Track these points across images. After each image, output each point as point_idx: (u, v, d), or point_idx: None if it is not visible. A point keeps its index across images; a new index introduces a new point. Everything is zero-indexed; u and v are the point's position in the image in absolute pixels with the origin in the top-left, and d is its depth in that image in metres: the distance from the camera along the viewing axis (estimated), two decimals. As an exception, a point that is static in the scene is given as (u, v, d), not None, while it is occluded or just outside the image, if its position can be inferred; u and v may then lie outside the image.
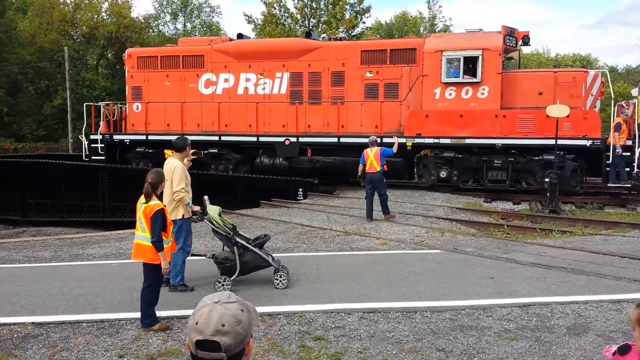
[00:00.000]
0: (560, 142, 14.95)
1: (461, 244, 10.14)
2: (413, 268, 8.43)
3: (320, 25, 39.28)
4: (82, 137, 19.70)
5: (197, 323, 1.76)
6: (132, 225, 13.02)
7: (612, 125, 15.06)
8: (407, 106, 16.79)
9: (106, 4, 41.58)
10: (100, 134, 18.92)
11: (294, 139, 17.53)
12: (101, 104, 20.00)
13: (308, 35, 19.92)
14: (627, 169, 15.10)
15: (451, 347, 5.44)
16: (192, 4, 49.35)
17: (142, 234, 6.04)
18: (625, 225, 12.32)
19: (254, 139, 18.00)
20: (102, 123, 19.26)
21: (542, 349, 5.40)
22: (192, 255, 7.94)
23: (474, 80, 15.76)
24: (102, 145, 18.75)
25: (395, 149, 12.62)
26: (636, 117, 15.63)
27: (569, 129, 15.16)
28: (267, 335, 5.79)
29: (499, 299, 6.81)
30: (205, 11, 50.40)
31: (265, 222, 12.70)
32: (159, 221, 5.94)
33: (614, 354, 2.61)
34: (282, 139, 17.64)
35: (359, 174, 12.89)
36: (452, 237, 10.88)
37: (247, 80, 18.35)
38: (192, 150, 8.25)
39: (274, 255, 7.95)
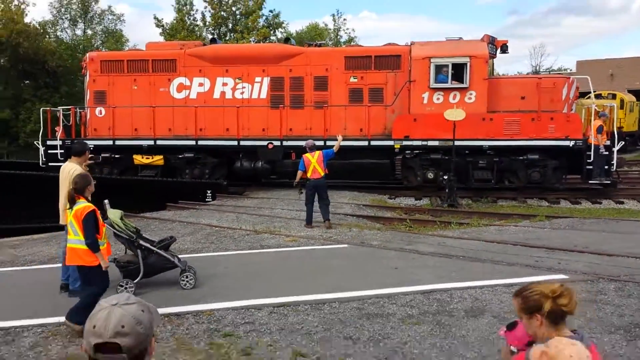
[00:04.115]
0: (545, 142, 15.96)
1: (367, 238, 10.44)
2: (322, 262, 8.58)
3: (230, 34, 38.98)
4: (37, 143, 18.11)
5: (94, 327, 1.70)
6: (21, 232, 12.34)
7: (594, 127, 15.84)
8: (392, 110, 16.91)
9: (-2, 9, 38.77)
10: (60, 140, 17.54)
11: (277, 143, 17.19)
12: (60, 108, 18.46)
13: (286, 41, 19.45)
14: (606, 167, 15.94)
15: (358, 335, 5.60)
16: (93, 10, 47.19)
17: (75, 237, 5.84)
18: (517, 216, 13.22)
19: (235, 143, 17.45)
20: (58, 128, 17.83)
21: (442, 331, 5.69)
22: (94, 259, 7.60)
23: (462, 85, 16.13)
24: (62, 151, 17.26)
25: (336, 148, 12.23)
26: (615, 119, 16.52)
27: (553, 131, 15.95)
28: (175, 335, 5.67)
29: (403, 288, 7.08)
30: (108, 18, 48.37)
31: (172, 224, 12.40)
32: (90, 222, 5.77)
33: (505, 331, 2.85)
34: (264, 143, 17.24)
35: (297, 180, 12.16)
36: (359, 232, 11.17)
37: (224, 84, 17.76)
38: (90, 156, 7.95)
39: (180, 256, 7.80)
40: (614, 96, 30.75)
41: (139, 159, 17.67)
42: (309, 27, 54.36)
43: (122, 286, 7.01)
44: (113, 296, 1.79)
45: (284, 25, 41.48)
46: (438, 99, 16.36)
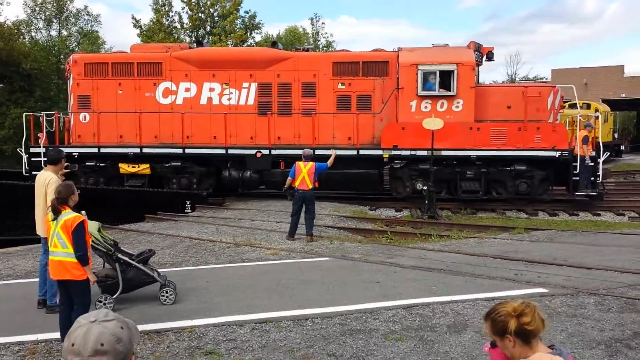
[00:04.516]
0: (531, 153, 15.98)
1: (349, 251, 10.42)
2: (303, 276, 8.53)
3: (208, 37, 38.83)
4: (20, 150, 17.53)
5: (73, 345, 1.65)
6: None
7: (580, 138, 15.89)
8: (381, 118, 16.81)
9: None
10: (43, 147, 16.87)
11: (265, 152, 16.94)
12: (43, 114, 17.89)
13: (274, 45, 19.31)
14: (592, 178, 15.97)
15: (341, 351, 5.57)
16: (68, 10, 46.64)
17: (62, 250, 5.63)
18: (496, 228, 13.32)
19: (223, 151, 17.16)
20: (41, 135, 17.30)
21: (425, 348, 5.68)
22: (71, 273, 7.45)
23: (449, 93, 16.04)
24: (45, 159, 16.72)
25: (330, 162, 11.85)
26: (600, 131, 16.67)
27: (539, 141, 15.97)
28: (155, 353, 5.57)
29: (385, 302, 7.07)
30: (84, 19, 47.86)
31: (151, 236, 12.24)
32: (82, 234, 5.62)
33: (489, 347, 2.85)
34: (253, 152, 16.97)
35: (286, 186, 11.83)
36: (340, 244, 11.15)
37: (211, 90, 17.49)
38: (65, 164, 7.77)
39: (160, 270, 7.69)
40: (588, 106, 31.23)
41: (124, 167, 17.30)
42: (287, 30, 54.35)
43: (100, 301, 6.88)
44: (92, 312, 1.75)
45: (260, 26, 41.37)
46: (426, 107, 16.26)
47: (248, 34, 39.68)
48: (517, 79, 57.71)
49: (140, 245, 10.94)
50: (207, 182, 17.76)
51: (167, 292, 7.17)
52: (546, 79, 50.25)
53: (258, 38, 42.54)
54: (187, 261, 9.78)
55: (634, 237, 11.79)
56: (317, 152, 15.51)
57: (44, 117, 17.65)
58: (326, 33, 49.23)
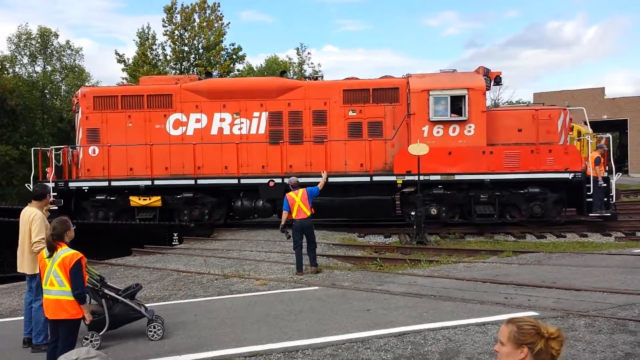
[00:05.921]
0: (544, 175, 16.13)
1: (338, 279, 10.36)
2: (293, 306, 8.45)
3: (193, 69, 39.05)
4: (28, 185, 17.18)
5: None
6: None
7: (592, 159, 16.17)
8: (392, 145, 16.94)
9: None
10: (53, 182, 16.72)
11: (278, 180, 16.88)
12: (51, 148, 17.78)
13: (282, 74, 19.39)
14: (605, 199, 16.16)
15: (333, 383, 5.48)
16: (52, 46, 46.80)
17: (60, 288, 5.49)
18: (485, 252, 13.34)
19: (235, 181, 17.10)
20: (49, 169, 17.18)
21: (418, 376, 5.61)
22: (56, 311, 7.32)
23: (461, 118, 16.23)
24: (55, 193, 16.27)
25: (321, 186, 11.70)
26: (611, 151, 16.92)
27: (552, 163, 16.15)
28: (143, 390, 5.46)
29: (376, 331, 7.00)
30: (67, 53, 48.00)
31: (138, 270, 12.10)
32: (80, 271, 5.51)
33: None
34: (265, 181, 16.94)
35: (283, 223, 11.46)
36: (329, 272, 11.08)
37: (222, 120, 17.57)
38: (50, 199, 7.67)
39: (147, 305, 7.59)
40: (571, 128, 31.64)
41: (135, 200, 17.18)
42: (269, 60, 54.56)
43: (87, 339, 6.74)
44: (73, 350, 1.72)
45: (244, 57, 41.51)
46: (438, 132, 16.43)
47: (232, 65, 40.03)
48: (500, 103, 58.38)
49: (127, 279, 10.81)
50: (219, 213, 17.72)
51: (154, 328, 7.05)
52: (529, 102, 50.91)
53: (240, 68, 42.89)
54: (174, 295, 9.66)
55: (622, 258, 11.86)
56: (330, 179, 14.94)
57: (52, 152, 17.55)
58: (312, 63, 49.60)
